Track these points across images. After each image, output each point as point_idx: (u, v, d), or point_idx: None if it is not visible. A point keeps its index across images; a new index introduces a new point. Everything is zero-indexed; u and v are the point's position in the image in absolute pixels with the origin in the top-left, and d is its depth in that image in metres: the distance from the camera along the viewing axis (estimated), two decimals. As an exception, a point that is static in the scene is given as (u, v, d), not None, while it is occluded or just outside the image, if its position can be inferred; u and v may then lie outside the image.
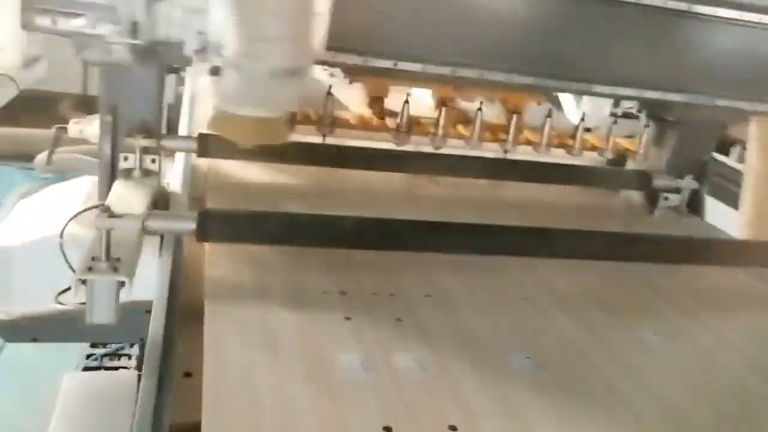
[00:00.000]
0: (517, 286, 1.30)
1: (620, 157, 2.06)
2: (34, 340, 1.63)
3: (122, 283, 1.05)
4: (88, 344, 2.29)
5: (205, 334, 0.94)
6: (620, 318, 1.24)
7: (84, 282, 1.04)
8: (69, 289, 1.07)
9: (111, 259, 1.05)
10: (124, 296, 1.35)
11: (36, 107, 4.18)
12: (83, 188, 1.83)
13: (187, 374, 0.94)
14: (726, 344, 1.19)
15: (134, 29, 1.17)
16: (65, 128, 1.56)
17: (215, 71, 1.14)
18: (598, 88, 1.69)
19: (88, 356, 2.28)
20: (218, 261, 1.17)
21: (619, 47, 1.67)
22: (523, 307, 1.23)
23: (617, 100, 2.12)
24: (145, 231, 1.10)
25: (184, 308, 1.12)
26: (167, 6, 1.20)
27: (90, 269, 1.04)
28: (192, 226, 1.11)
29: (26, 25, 1.39)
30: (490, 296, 1.24)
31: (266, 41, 1.00)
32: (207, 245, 1.21)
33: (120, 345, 2.26)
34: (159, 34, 1.21)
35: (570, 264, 1.40)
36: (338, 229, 1.17)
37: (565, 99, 2.32)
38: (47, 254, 1.47)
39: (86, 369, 2.22)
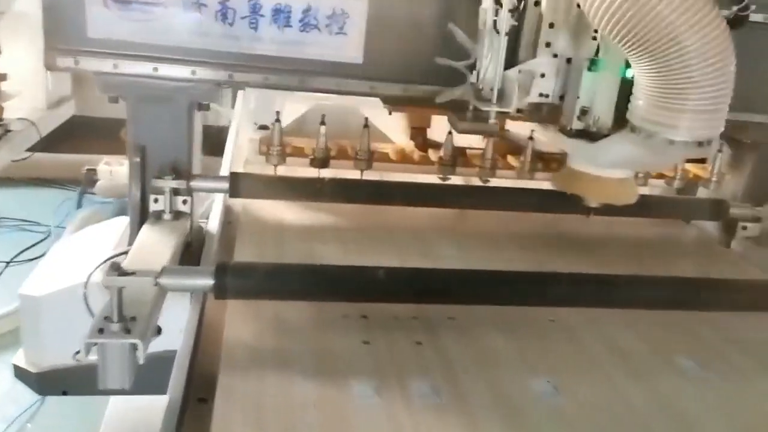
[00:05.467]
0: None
1: (691, 186, 1.87)
2: (65, 393, 1.57)
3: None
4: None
5: (213, 415, 0.83)
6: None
7: (95, 344, 0.95)
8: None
9: (124, 319, 0.96)
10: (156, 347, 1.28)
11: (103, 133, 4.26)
12: (118, 230, 1.77)
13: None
14: None
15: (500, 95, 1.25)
16: (95, 170, 1.53)
17: (579, 134, 1.23)
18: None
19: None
20: (237, 319, 1.07)
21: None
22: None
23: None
24: (160, 289, 1.01)
25: (205, 376, 1.01)
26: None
27: (101, 331, 0.95)
28: (210, 282, 1.00)
29: (49, 66, 1.35)
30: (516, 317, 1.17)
31: (683, 112, 1.01)
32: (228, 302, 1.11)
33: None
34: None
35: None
36: (368, 281, 1.05)
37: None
38: (75, 303, 1.41)
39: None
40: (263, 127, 1.81)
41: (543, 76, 1.29)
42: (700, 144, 1.06)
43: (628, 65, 1.15)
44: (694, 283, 1.23)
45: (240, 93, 2.37)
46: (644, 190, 1.84)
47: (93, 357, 0.97)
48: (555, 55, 1.28)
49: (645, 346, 1.15)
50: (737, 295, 1.21)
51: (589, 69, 1.21)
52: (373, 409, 0.90)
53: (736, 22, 1.10)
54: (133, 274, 0.98)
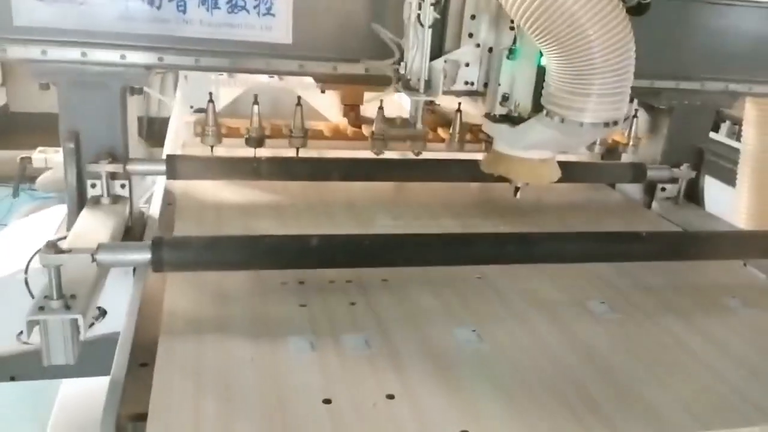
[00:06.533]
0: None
1: (615, 151, 1.97)
2: (12, 379, 1.57)
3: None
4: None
5: (154, 380, 0.88)
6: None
7: (37, 323, 0.98)
8: (26, 330, 1.01)
9: (64, 296, 0.99)
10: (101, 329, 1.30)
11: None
12: (59, 218, 1.78)
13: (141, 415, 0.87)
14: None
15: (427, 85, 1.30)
16: (29, 158, 1.53)
17: (501, 119, 1.30)
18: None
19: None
20: (178, 291, 1.11)
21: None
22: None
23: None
24: (98, 265, 1.04)
25: (148, 345, 1.05)
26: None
27: (41, 309, 0.98)
28: (147, 256, 1.04)
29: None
30: (446, 277, 1.25)
31: (589, 96, 1.09)
32: (169, 274, 1.14)
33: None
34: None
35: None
36: (302, 248, 1.11)
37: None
38: (17, 289, 1.41)
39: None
40: (200, 110, 1.83)
41: (467, 65, 1.36)
42: (606, 125, 1.15)
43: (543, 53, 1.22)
44: (602, 237, 1.33)
45: (181, 80, 2.38)
46: (571, 157, 1.94)
47: (36, 338, 1.00)
48: (478, 45, 1.36)
49: (563, 295, 1.25)
50: (639, 246, 1.30)
51: (508, 57, 1.28)
52: (308, 361, 0.97)
53: (638, 10, 1.17)
54: (69, 251, 1.00)
